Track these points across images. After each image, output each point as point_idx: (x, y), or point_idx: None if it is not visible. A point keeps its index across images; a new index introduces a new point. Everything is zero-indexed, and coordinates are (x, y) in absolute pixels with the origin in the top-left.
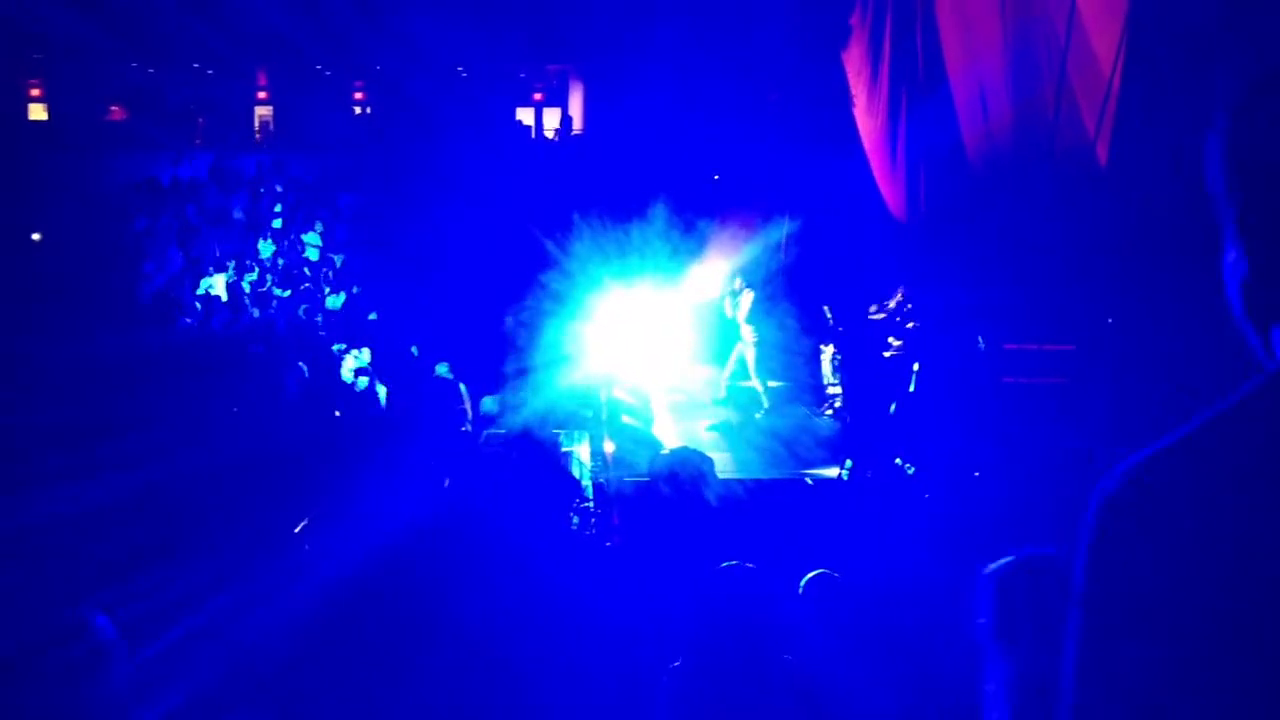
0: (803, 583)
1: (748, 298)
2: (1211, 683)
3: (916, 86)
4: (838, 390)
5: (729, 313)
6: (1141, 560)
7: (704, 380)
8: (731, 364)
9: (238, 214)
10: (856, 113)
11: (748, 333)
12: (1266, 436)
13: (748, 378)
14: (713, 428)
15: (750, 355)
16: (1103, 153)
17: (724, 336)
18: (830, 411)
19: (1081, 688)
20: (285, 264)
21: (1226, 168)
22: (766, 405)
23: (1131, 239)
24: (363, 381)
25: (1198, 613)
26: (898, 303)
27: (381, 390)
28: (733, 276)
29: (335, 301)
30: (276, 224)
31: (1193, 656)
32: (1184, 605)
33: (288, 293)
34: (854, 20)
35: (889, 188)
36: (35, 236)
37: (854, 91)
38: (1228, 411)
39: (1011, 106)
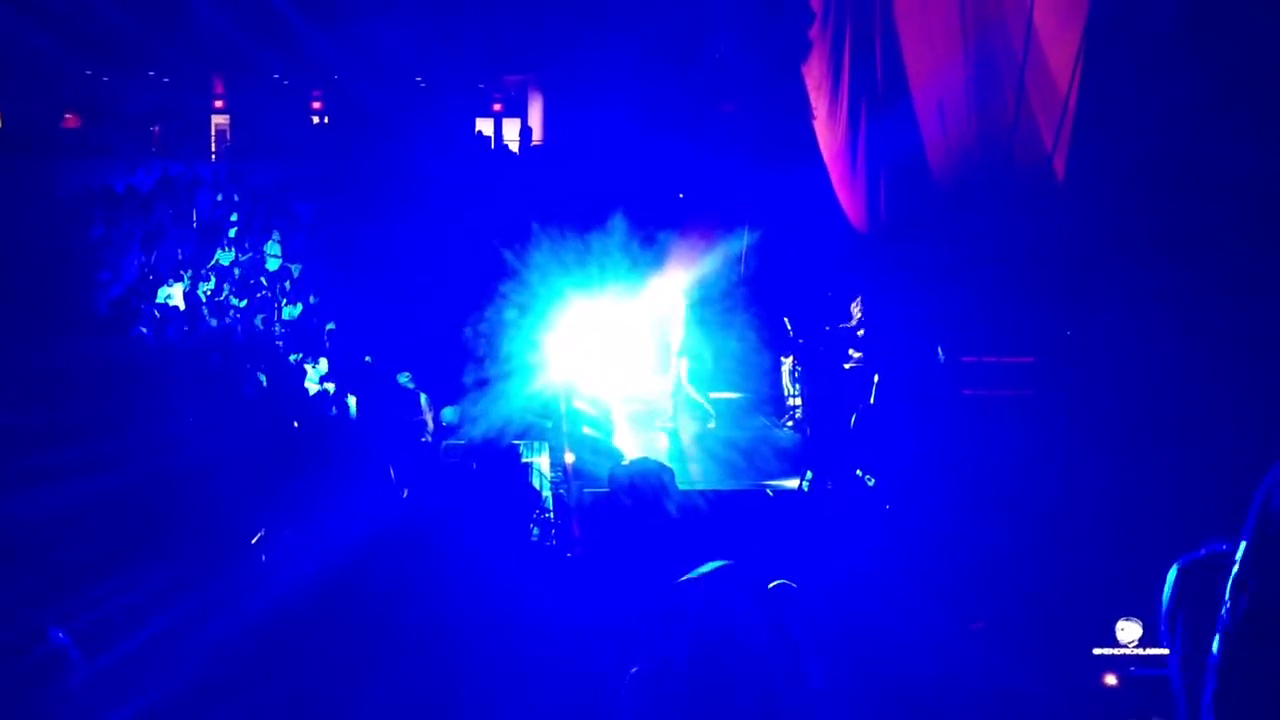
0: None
1: (679, 312)
2: None
3: (876, 99)
4: (798, 402)
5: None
6: None
7: (664, 391)
8: (671, 378)
9: (196, 222)
10: (816, 125)
11: (679, 346)
12: None
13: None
14: (662, 428)
15: (683, 369)
16: (1060, 166)
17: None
18: (790, 423)
19: (1229, 656)
20: (242, 273)
21: None
22: (714, 415)
23: (1090, 251)
24: (330, 388)
25: None
26: (859, 319)
27: (352, 401)
28: (671, 292)
29: (292, 311)
30: (232, 233)
31: None
32: None
33: (244, 302)
34: (813, 33)
35: (849, 199)
36: None
37: (814, 104)
38: None
39: (971, 119)
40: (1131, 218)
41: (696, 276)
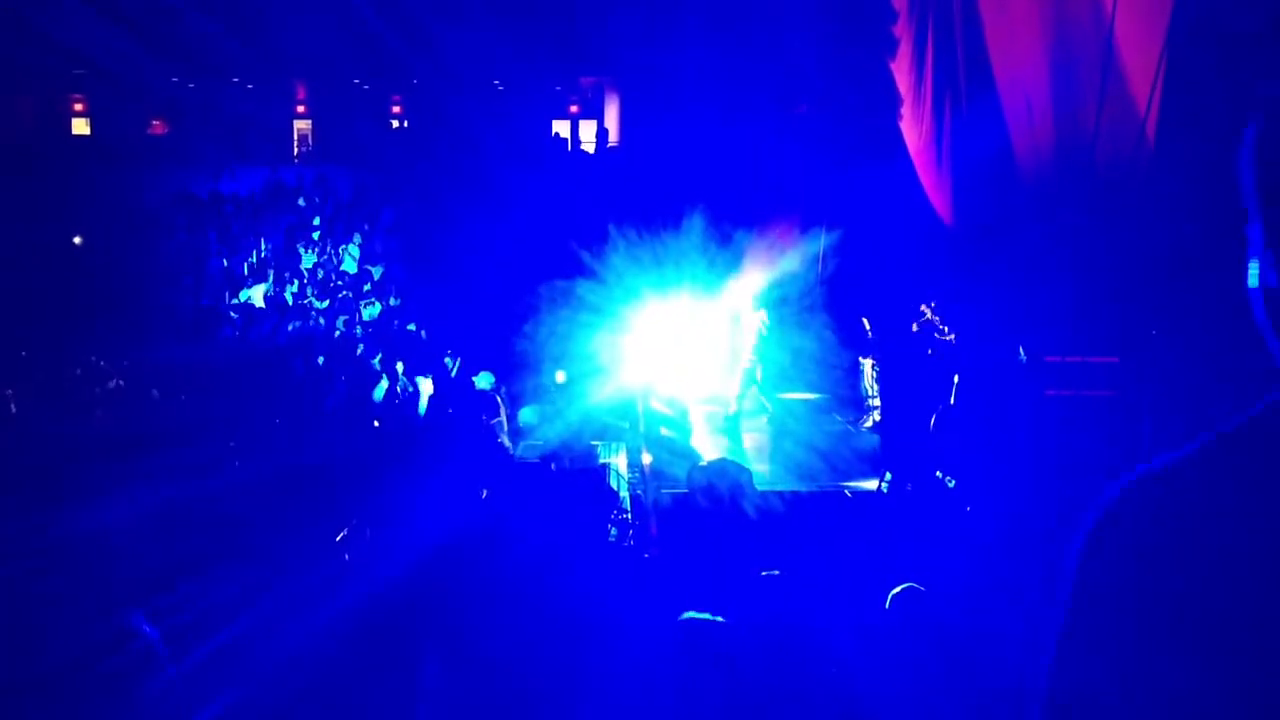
0: (890, 596)
1: (759, 319)
2: (1173, 702)
3: (959, 93)
4: (877, 402)
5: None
6: (1124, 580)
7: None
8: (739, 381)
9: (279, 226)
10: (902, 122)
11: (752, 351)
12: (1267, 459)
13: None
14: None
15: (758, 371)
16: (1151, 131)
17: (759, 349)
18: (869, 424)
19: (1053, 693)
20: (324, 276)
21: (1257, 175)
22: (771, 410)
23: (1176, 249)
24: (425, 387)
25: (1171, 636)
26: (926, 321)
27: (427, 387)
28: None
29: (371, 311)
30: (315, 236)
31: (1159, 678)
32: (1160, 629)
33: (325, 304)
34: (898, 30)
35: (936, 196)
36: (76, 240)
37: (902, 100)
38: (1230, 432)
39: (1056, 109)
40: (1218, 217)
41: (773, 277)
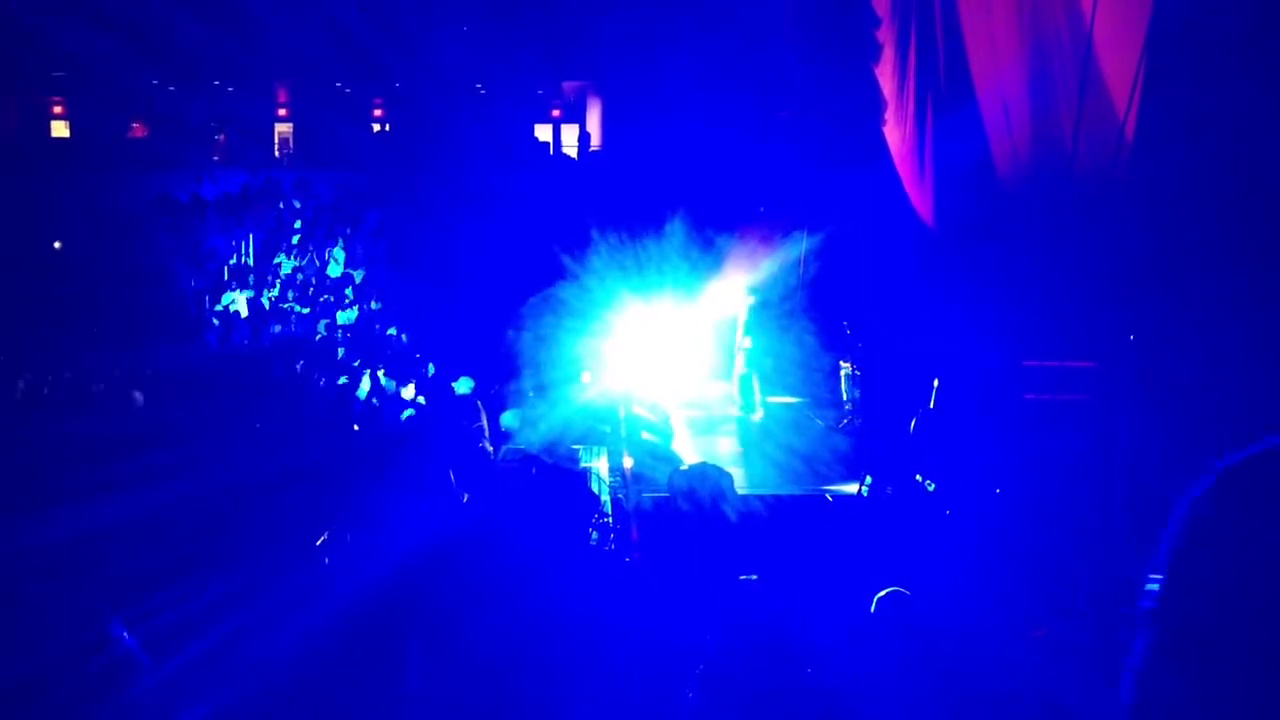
0: (875, 600)
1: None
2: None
3: (941, 98)
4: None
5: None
6: (1220, 565)
7: (723, 396)
8: (736, 372)
9: (261, 230)
10: (886, 128)
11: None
12: None
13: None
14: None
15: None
16: (1130, 136)
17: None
18: (847, 424)
19: (1147, 680)
20: (304, 280)
21: None
22: (759, 412)
23: (1154, 254)
24: (396, 386)
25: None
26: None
27: (407, 392)
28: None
29: (348, 316)
30: (295, 240)
31: (1262, 664)
32: (1261, 612)
33: (307, 309)
34: (881, 36)
35: (919, 199)
36: (56, 245)
37: (887, 103)
38: None
39: (1035, 116)
40: (1197, 223)
41: (755, 281)
